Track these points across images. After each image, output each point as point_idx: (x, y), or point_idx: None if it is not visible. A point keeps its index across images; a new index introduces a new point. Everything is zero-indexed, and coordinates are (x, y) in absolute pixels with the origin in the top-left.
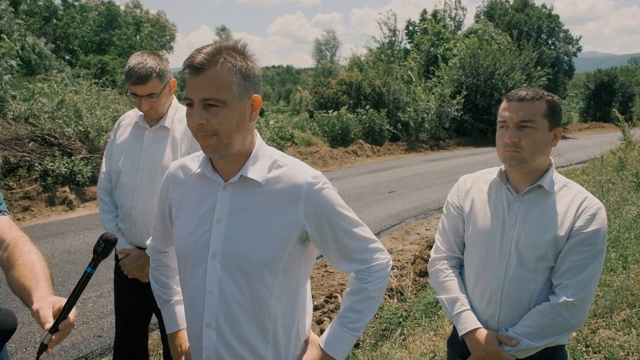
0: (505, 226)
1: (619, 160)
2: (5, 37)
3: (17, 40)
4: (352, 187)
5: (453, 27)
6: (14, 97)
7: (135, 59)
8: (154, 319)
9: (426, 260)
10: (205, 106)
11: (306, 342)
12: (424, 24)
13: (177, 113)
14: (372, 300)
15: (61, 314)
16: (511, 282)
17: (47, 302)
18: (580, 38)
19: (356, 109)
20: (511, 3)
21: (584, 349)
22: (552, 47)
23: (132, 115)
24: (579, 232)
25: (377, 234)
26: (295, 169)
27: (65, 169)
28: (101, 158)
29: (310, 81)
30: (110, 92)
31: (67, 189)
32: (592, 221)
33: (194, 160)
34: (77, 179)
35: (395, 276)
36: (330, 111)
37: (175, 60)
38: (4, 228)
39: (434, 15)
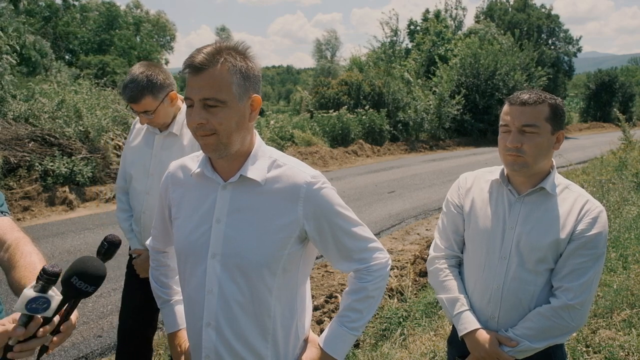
0: (505, 227)
1: (619, 160)
2: (1, 33)
3: (16, 37)
4: (352, 187)
5: (454, 27)
6: (14, 97)
7: (130, 76)
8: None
9: (426, 260)
10: (205, 106)
11: (305, 341)
12: (426, 24)
13: (185, 119)
14: (372, 299)
15: (63, 316)
16: (511, 283)
17: None
18: (580, 38)
19: (356, 109)
20: (511, 3)
21: (584, 349)
22: (552, 47)
23: None
24: (580, 236)
25: (377, 234)
26: (295, 169)
27: (66, 169)
28: (101, 158)
29: (311, 81)
30: (111, 93)
31: (67, 189)
32: (593, 225)
33: (194, 160)
34: (77, 179)
35: (396, 276)
36: (331, 111)
37: (176, 60)
38: (5, 229)
39: (437, 15)
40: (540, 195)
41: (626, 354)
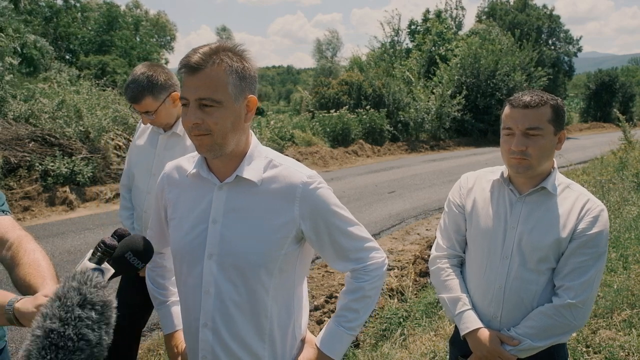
0: (507, 227)
1: (620, 160)
2: (2, 34)
3: (16, 38)
4: (352, 187)
5: (454, 27)
6: (14, 97)
7: (132, 76)
8: (156, 317)
9: (427, 261)
10: (201, 106)
11: (302, 341)
12: (426, 24)
13: (181, 118)
14: (368, 299)
15: None
16: (513, 282)
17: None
18: (580, 38)
19: (356, 109)
20: (512, 3)
21: (584, 349)
22: (553, 47)
23: None
24: (582, 234)
25: (378, 234)
26: (291, 169)
27: (66, 169)
28: (102, 158)
29: (311, 81)
30: (111, 93)
31: (67, 189)
32: (595, 223)
33: (189, 161)
34: (78, 179)
35: (396, 276)
36: (331, 111)
37: (176, 61)
38: (6, 228)
39: (438, 15)
40: (541, 194)
41: (626, 354)
